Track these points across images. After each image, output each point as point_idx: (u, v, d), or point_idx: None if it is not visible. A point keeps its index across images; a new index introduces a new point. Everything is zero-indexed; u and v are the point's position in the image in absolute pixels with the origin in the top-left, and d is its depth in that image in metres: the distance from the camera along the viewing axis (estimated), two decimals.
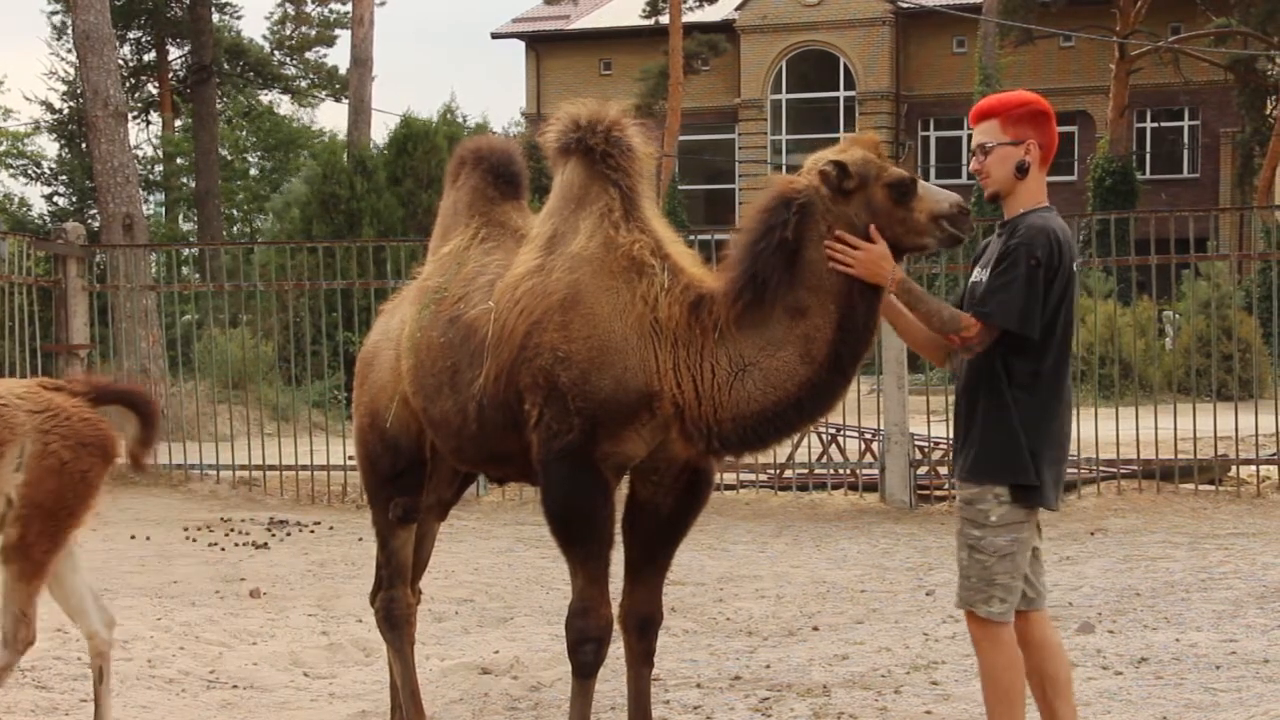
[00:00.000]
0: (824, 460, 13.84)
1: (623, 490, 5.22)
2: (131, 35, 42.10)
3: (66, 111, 40.19)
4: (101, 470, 5.40)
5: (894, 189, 4.68)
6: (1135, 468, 12.83)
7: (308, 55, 47.43)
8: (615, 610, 5.16)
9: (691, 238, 11.25)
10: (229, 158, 44.04)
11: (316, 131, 46.61)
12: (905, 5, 43.39)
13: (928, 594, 8.86)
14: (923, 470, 13.05)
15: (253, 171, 46.74)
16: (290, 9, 46.64)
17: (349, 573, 9.95)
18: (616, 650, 5.47)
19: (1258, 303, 18.91)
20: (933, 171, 41.75)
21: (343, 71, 41.59)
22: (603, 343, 4.89)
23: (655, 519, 5.19)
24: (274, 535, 11.82)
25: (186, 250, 24.53)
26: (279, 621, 8.32)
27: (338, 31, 45.80)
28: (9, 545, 5.24)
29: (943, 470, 12.73)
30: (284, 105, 48.76)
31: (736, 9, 44.54)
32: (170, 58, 43.47)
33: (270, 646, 7.67)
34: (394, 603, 5.77)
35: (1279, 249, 24.98)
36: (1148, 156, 43.07)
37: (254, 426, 14.40)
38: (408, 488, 5.64)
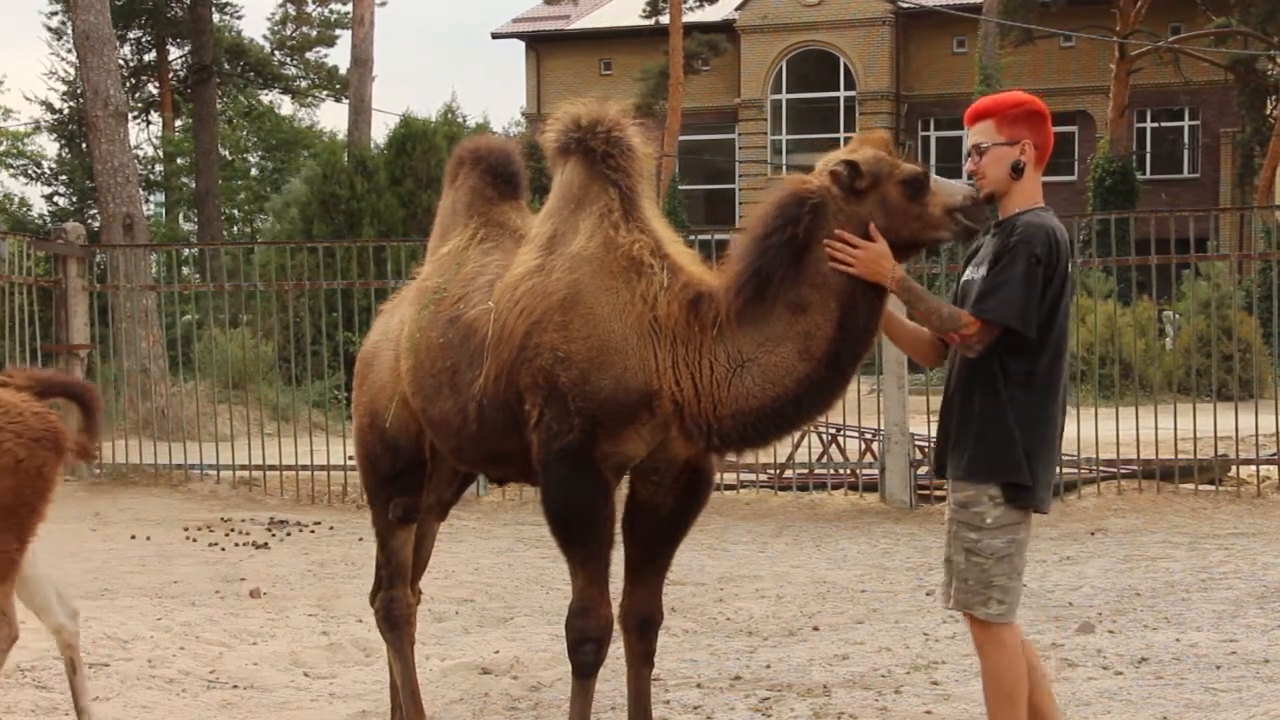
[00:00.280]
0: (824, 460, 13.85)
1: (623, 490, 5.22)
2: (131, 35, 42.13)
3: (66, 111, 40.23)
4: (55, 464, 5.39)
5: (908, 185, 4.69)
6: (1135, 468, 12.83)
7: (308, 55, 47.50)
8: (615, 610, 5.15)
9: (691, 238, 11.25)
10: (229, 158, 44.04)
11: (317, 132, 46.61)
12: (905, 5, 43.38)
13: (928, 594, 8.85)
14: (923, 470, 13.03)
15: (253, 172, 46.73)
16: (291, 9, 46.71)
17: (349, 573, 9.95)
18: (616, 650, 5.47)
19: (1258, 303, 18.89)
20: (933, 172, 41.64)
21: (343, 71, 41.65)
22: (603, 343, 4.88)
23: (655, 519, 5.18)
24: (274, 535, 11.82)
25: (186, 250, 24.57)
26: (279, 621, 8.32)
27: (338, 31, 45.84)
28: None
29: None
30: (284, 105, 48.88)
31: (736, 9, 44.53)
32: (170, 58, 43.52)
33: (270, 646, 7.67)
34: (394, 603, 5.77)
35: (1279, 249, 25.00)
36: (1148, 156, 43.08)
37: (254, 426, 14.40)
38: (407, 488, 5.64)
